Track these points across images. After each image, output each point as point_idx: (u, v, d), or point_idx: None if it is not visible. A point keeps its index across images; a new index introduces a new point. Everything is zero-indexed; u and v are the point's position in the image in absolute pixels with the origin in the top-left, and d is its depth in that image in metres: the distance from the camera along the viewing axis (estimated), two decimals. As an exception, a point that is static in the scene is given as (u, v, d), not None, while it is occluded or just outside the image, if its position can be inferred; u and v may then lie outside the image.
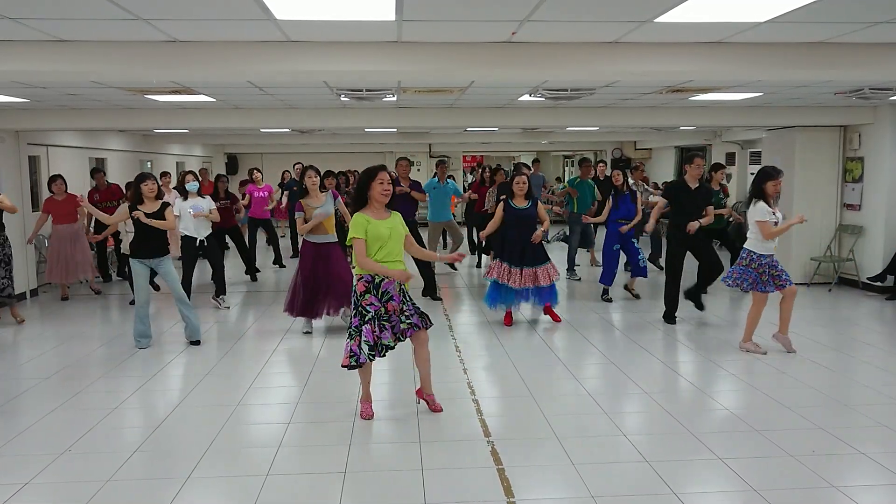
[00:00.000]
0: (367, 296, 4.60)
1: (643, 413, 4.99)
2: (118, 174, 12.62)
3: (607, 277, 8.80)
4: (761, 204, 6.13)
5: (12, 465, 4.14)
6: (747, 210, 6.31)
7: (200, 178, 11.58)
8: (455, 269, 11.39)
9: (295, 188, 11.48)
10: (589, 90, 7.67)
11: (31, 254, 9.62)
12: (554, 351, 6.66)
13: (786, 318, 6.36)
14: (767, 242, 6.17)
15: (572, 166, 26.41)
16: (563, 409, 5.02)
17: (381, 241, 4.55)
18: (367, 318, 4.60)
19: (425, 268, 8.84)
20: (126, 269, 8.84)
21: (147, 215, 6.53)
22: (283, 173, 13.69)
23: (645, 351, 6.55)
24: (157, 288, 9.03)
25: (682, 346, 6.81)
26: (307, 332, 7.25)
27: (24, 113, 9.08)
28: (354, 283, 4.67)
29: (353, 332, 4.66)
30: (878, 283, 9.19)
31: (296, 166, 12.65)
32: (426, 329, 4.80)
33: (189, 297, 7.34)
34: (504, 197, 7.48)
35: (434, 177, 10.38)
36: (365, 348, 4.57)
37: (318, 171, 7.08)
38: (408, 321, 4.69)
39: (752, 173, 13.50)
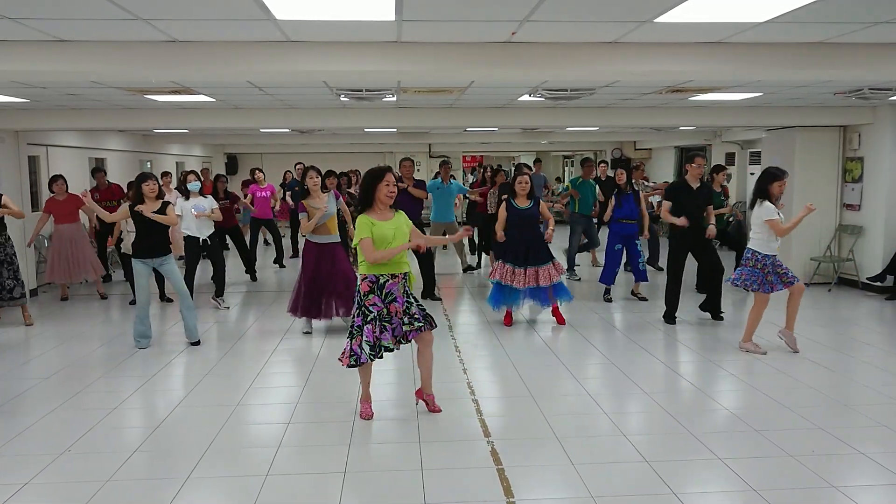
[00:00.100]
0: (370, 296, 4.60)
1: (643, 413, 4.99)
2: (118, 174, 12.62)
3: (608, 277, 8.80)
4: (768, 203, 6.13)
5: (12, 465, 4.14)
6: (751, 211, 6.31)
7: (202, 178, 11.61)
8: (474, 270, 11.31)
9: (297, 188, 11.50)
10: (589, 90, 7.67)
11: (31, 254, 9.62)
12: (554, 351, 6.66)
13: (792, 315, 6.38)
14: (772, 242, 6.16)
15: (572, 166, 26.42)
16: (563, 409, 5.02)
17: (385, 243, 4.55)
18: (368, 319, 4.60)
19: (426, 268, 8.84)
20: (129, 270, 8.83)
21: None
22: (285, 173, 13.71)
23: (645, 351, 6.55)
24: (168, 300, 8.99)
25: (683, 346, 6.82)
26: (307, 333, 7.25)
27: (24, 113, 9.08)
28: (358, 283, 4.67)
29: (354, 332, 4.66)
30: (878, 283, 9.19)
31: (297, 166, 12.67)
32: (432, 329, 4.79)
33: (191, 296, 7.33)
34: (506, 197, 7.48)
35: (437, 177, 10.37)
36: (366, 348, 4.58)
37: (319, 172, 7.08)
38: (418, 324, 4.69)
39: (752, 173, 13.56)
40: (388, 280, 4.61)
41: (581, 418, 4.84)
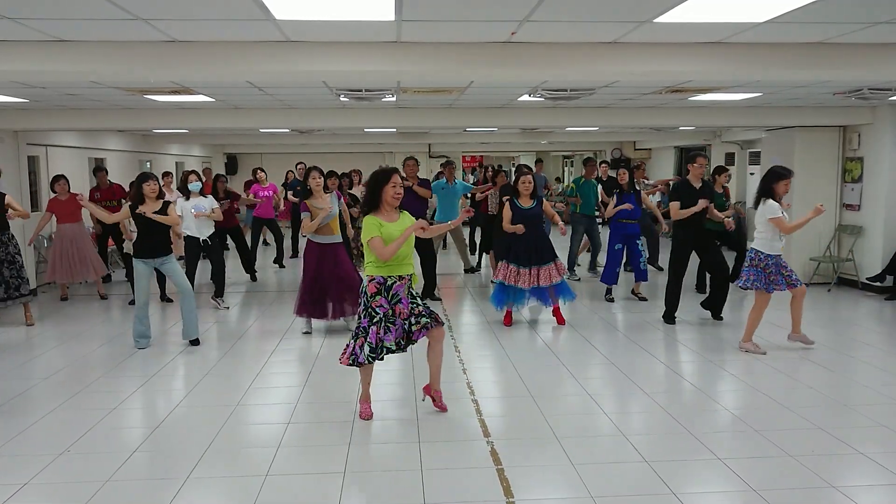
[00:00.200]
0: (377, 297, 4.59)
1: (643, 413, 4.99)
2: (117, 174, 12.60)
3: (610, 277, 8.80)
4: (772, 202, 6.12)
5: (12, 465, 4.14)
6: (755, 210, 6.30)
7: (204, 178, 11.61)
8: (476, 270, 11.30)
9: (298, 188, 11.50)
10: (588, 90, 7.67)
11: (31, 254, 9.62)
12: (554, 351, 6.66)
13: (797, 318, 6.42)
14: (775, 242, 6.16)
15: (572, 166, 26.44)
16: (563, 410, 5.03)
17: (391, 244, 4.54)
18: (375, 320, 4.59)
19: (427, 268, 8.84)
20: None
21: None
22: (287, 173, 13.74)
23: (645, 351, 6.55)
24: (168, 300, 8.99)
25: (682, 347, 6.82)
26: (306, 333, 7.25)
27: (24, 113, 9.08)
28: (365, 284, 4.65)
29: (359, 333, 4.65)
30: (878, 284, 9.19)
31: (298, 166, 12.69)
32: (441, 326, 4.78)
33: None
34: (508, 198, 7.48)
35: (441, 177, 10.35)
36: (366, 349, 4.57)
37: (321, 172, 7.08)
38: (424, 320, 4.68)
39: (752, 173, 13.56)
40: (395, 282, 4.61)
41: (581, 418, 4.84)
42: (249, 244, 11.10)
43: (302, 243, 13.31)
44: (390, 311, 4.63)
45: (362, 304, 4.66)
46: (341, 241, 7.17)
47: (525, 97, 8.16)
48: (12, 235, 7.82)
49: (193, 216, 8.04)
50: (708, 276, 8.16)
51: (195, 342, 6.84)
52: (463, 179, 21.80)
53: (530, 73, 5.42)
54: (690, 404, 5.19)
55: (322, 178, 7.02)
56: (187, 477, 3.93)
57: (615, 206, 8.68)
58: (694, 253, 7.52)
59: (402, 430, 4.67)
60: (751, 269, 6.25)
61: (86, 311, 8.66)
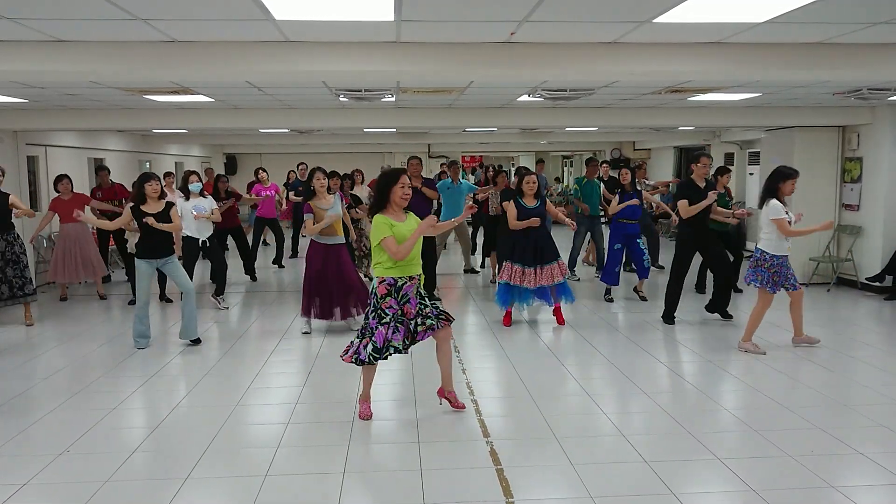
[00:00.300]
0: (387, 299, 4.58)
1: (642, 413, 4.99)
2: (117, 174, 12.57)
3: (609, 276, 8.80)
4: (775, 202, 6.12)
5: (12, 465, 4.14)
6: (760, 210, 6.30)
7: (206, 178, 11.60)
8: (477, 272, 11.30)
9: (300, 188, 11.49)
10: (588, 90, 7.67)
11: (31, 254, 9.61)
12: (553, 351, 6.66)
13: (798, 321, 6.45)
14: (782, 242, 6.16)
15: (571, 167, 26.46)
16: (563, 410, 5.03)
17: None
18: (384, 321, 4.58)
19: (428, 268, 8.83)
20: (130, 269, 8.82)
21: (152, 216, 6.54)
22: (289, 173, 13.75)
23: (644, 351, 6.56)
24: (168, 300, 8.99)
25: (682, 347, 6.82)
26: (306, 333, 7.25)
27: (23, 113, 9.08)
28: (375, 286, 4.62)
29: (364, 332, 4.64)
30: (877, 284, 9.20)
31: (300, 167, 12.70)
32: (448, 326, 4.77)
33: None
34: (508, 202, 7.49)
35: (447, 177, 10.35)
36: (370, 348, 4.57)
37: (325, 173, 7.08)
38: (430, 321, 4.67)
39: (751, 174, 13.57)
40: (405, 282, 4.60)
41: (581, 418, 4.85)
42: (251, 244, 11.09)
43: (302, 243, 13.36)
44: (399, 312, 4.62)
45: (371, 304, 4.65)
46: (344, 241, 7.18)
47: (524, 97, 8.17)
48: (18, 235, 7.83)
49: (194, 217, 8.03)
50: (710, 276, 8.16)
51: (196, 341, 6.84)
52: (464, 179, 21.81)
53: (530, 74, 5.42)
54: (690, 404, 5.19)
55: (326, 179, 7.02)
56: (187, 477, 3.93)
57: (616, 205, 8.67)
58: (697, 252, 7.53)
59: (401, 431, 4.67)
60: (757, 270, 6.24)
61: (86, 311, 8.66)
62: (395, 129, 13.95)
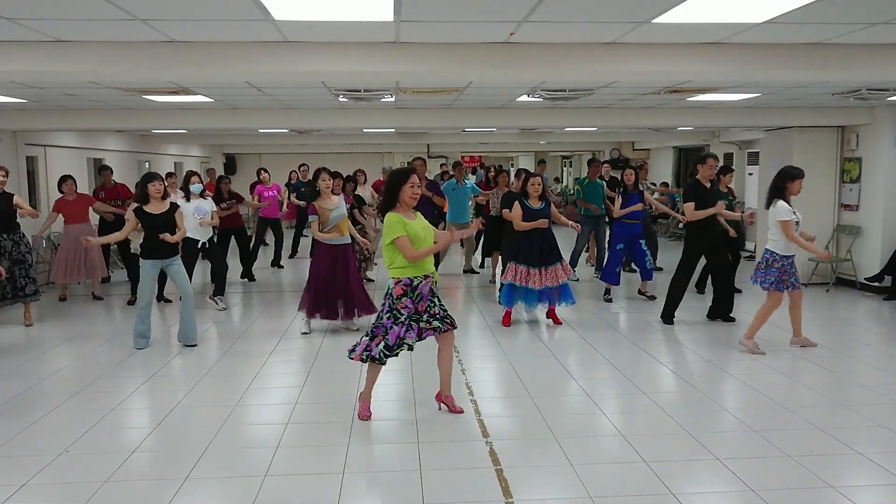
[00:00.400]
0: (403, 299, 4.56)
1: (642, 413, 4.99)
2: (116, 174, 12.56)
3: (609, 276, 8.80)
4: (782, 203, 6.13)
5: (12, 465, 4.14)
6: (767, 211, 6.31)
7: (209, 178, 11.58)
8: (477, 271, 11.30)
9: (302, 189, 11.48)
10: (587, 91, 7.68)
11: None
12: (552, 351, 6.66)
13: (797, 321, 6.46)
14: (790, 243, 6.17)
15: (570, 167, 26.47)
16: (562, 410, 5.03)
17: (418, 242, 4.51)
18: (399, 320, 4.56)
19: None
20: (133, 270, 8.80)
21: (156, 217, 6.54)
22: (290, 174, 13.75)
23: (644, 351, 6.56)
24: (167, 300, 8.99)
25: (682, 347, 6.82)
26: (305, 333, 7.25)
27: (23, 113, 9.08)
28: (391, 286, 4.59)
29: (377, 332, 4.63)
30: (876, 284, 9.20)
31: (301, 167, 12.71)
32: (452, 330, 4.77)
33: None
34: (507, 209, 7.50)
35: (448, 177, 10.35)
36: (381, 346, 4.56)
37: (331, 174, 7.09)
38: (436, 323, 4.67)
39: (751, 174, 13.57)
40: (421, 282, 4.59)
41: (580, 419, 4.85)
42: (252, 245, 11.06)
43: (303, 243, 13.37)
44: (414, 311, 4.61)
45: (387, 305, 4.63)
46: (350, 241, 7.20)
47: (524, 97, 8.17)
48: (23, 235, 7.82)
49: (196, 220, 7.99)
50: (710, 277, 8.16)
51: (192, 345, 6.81)
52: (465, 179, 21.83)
53: (529, 74, 5.43)
54: (690, 404, 5.19)
55: (331, 180, 7.03)
56: (187, 477, 3.93)
57: (622, 207, 8.65)
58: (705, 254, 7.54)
59: (401, 430, 4.67)
60: (768, 270, 6.24)
61: (85, 311, 8.66)
62: (394, 130, 13.95)
